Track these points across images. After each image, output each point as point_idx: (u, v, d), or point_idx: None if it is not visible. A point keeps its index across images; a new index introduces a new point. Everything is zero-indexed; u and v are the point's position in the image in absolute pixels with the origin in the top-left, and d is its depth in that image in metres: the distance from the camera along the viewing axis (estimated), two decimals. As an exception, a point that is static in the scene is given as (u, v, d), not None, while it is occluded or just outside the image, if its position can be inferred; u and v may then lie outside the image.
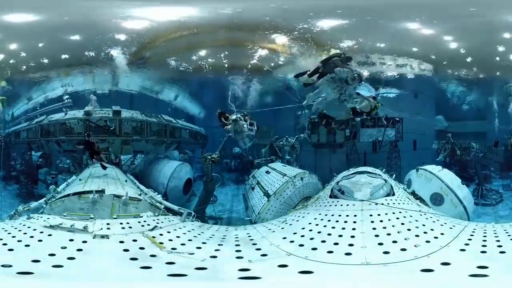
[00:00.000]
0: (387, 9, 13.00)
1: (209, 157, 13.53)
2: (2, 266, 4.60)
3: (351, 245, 5.62)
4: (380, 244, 5.57)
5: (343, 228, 6.18)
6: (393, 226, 6.16)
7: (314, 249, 5.61)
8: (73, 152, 14.39)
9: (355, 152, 16.13)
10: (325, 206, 7.39)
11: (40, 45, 13.59)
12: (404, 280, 4.71)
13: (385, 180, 8.28)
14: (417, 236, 5.80)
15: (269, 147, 16.27)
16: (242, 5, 13.16)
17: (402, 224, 6.23)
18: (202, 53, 14.67)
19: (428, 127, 17.84)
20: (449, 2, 12.80)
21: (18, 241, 5.53)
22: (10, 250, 5.21)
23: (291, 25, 13.48)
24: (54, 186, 9.39)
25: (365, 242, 5.68)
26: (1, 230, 5.96)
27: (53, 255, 5.06)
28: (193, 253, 5.55)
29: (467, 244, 5.46)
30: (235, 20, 13.19)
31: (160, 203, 8.80)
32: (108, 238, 5.83)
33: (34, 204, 8.33)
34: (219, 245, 6.03)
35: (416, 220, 6.41)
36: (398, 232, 5.92)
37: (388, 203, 6.98)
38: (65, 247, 5.35)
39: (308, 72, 10.48)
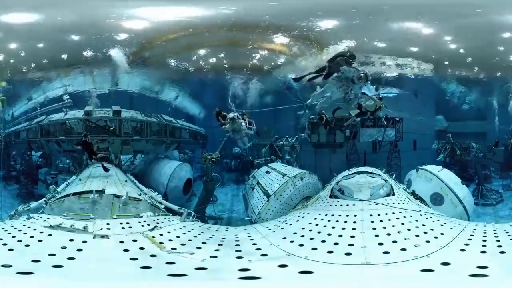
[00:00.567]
0: (387, 9, 12.99)
1: (209, 157, 13.53)
2: (2, 266, 4.61)
3: (351, 245, 5.61)
4: (380, 244, 5.57)
5: (343, 228, 6.17)
6: (393, 226, 6.15)
7: (314, 249, 5.60)
8: (73, 152, 14.38)
9: (355, 152, 16.12)
10: (325, 206, 7.38)
11: (40, 45, 13.58)
12: (404, 280, 4.71)
13: (385, 180, 8.27)
14: (417, 236, 5.80)
15: (269, 147, 16.27)
16: (242, 5, 13.15)
17: (402, 224, 6.23)
18: (202, 53, 14.67)
19: (428, 127, 17.84)
20: (449, 2, 12.79)
21: (18, 241, 5.54)
22: (10, 250, 5.21)
23: (291, 24, 13.46)
24: (54, 186, 9.35)
25: (365, 242, 5.67)
26: (1, 230, 5.97)
27: (53, 255, 5.06)
28: (193, 253, 5.55)
29: (467, 244, 5.45)
30: (235, 20, 13.18)
31: (160, 203, 8.79)
32: (108, 238, 5.83)
33: (34, 204, 8.34)
34: (219, 245, 6.02)
35: (416, 220, 6.40)
36: (398, 232, 5.91)
37: (388, 203, 6.97)
38: (65, 247, 5.36)
39: (308, 77, 10.50)
